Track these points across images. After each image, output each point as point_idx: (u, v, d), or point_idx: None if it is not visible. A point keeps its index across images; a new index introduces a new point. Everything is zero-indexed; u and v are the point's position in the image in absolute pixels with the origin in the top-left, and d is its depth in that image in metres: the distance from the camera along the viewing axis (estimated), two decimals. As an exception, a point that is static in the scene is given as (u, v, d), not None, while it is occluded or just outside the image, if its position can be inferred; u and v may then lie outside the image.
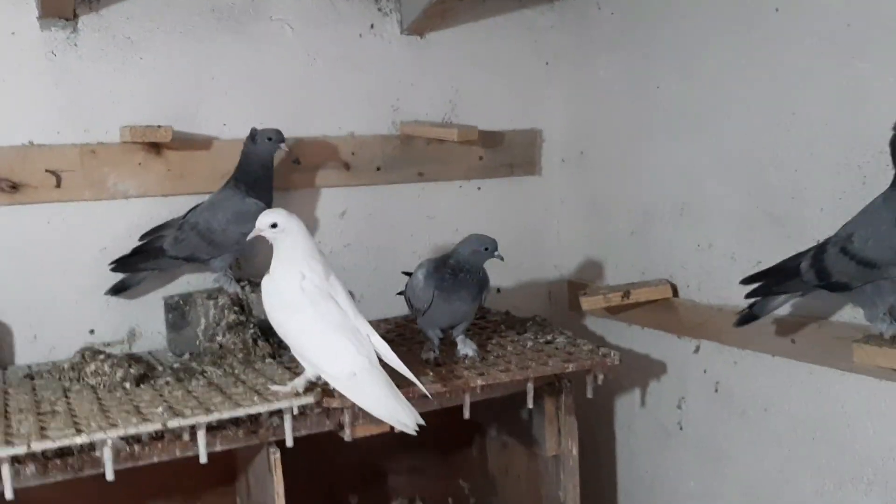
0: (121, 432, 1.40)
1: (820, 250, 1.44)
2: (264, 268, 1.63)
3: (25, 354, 1.89)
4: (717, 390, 1.94)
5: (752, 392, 1.84)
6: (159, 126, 1.87)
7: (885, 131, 1.39)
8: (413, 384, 1.57)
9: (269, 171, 1.91)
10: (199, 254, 1.90)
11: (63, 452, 1.42)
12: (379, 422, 1.55)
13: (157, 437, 1.50)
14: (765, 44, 1.75)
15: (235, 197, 1.88)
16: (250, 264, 2.08)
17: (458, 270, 1.72)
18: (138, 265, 1.91)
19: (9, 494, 1.36)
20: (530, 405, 1.83)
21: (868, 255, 1.33)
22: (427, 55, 2.27)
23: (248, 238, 1.62)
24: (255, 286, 1.96)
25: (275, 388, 1.57)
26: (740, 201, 1.84)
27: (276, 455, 1.66)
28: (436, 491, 2.39)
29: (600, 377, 1.87)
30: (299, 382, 1.55)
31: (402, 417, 1.47)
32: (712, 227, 1.92)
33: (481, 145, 2.34)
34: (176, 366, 1.76)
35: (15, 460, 1.37)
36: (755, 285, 1.58)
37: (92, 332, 1.95)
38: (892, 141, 1.34)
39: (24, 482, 1.40)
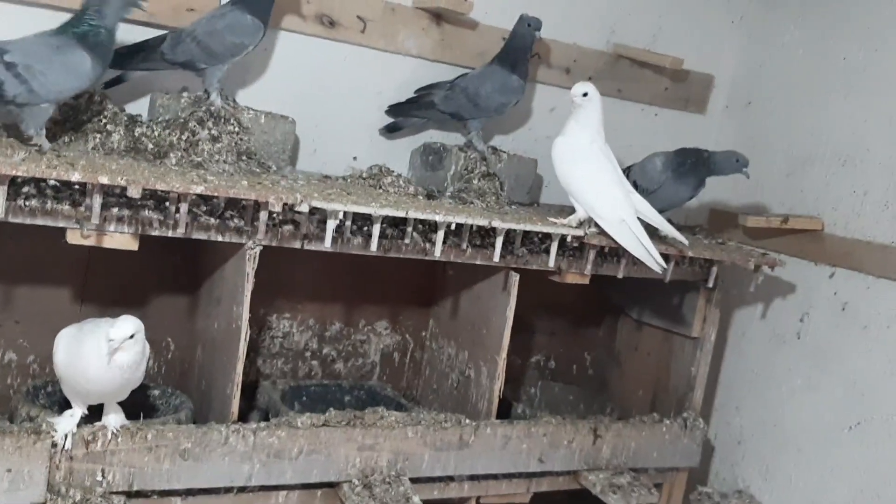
0: (460, 219, 1.83)
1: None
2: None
3: (305, 163, 2.29)
4: (844, 309, 2.41)
5: (878, 312, 2.31)
6: (455, -1, 2.25)
7: None
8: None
9: (528, 53, 2.30)
10: (463, 112, 2.30)
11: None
12: (584, 272, 2.04)
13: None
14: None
15: (503, 72, 2.28)
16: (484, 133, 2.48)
17: (697, 163, 2.15)
18: (410, 112, 2.32)
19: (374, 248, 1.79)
20: (710, 285, 2.29)
21: None
22: (644, -9, 2.68)
23: (572, 99, 2.01)
24: (495, 151, 2.38)
25: (552, 219, 2.00)
26: (901, 157, 2.29)
27: (515, 278, 2.10)
28: (565, 356, 2.84)
29: (762, 277, 2.34)
30: (574, 219, 1.99)
31: (657, 258, 1.92)
32: (871, 178, 2.37)
33: (669, 78, 2.76)
34: (448, 194, 2.17)
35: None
36: None
37: (355, 158, 2.35)
38: None
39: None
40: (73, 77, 1.61)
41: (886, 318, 2.30)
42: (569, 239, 2.01)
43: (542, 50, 2.52)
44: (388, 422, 1.96)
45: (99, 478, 1.65)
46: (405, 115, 2.32)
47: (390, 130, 2.34)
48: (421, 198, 2.05)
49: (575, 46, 2.59)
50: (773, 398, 2.61)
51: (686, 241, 2.10)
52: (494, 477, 2.16)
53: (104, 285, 2.04)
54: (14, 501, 1.57)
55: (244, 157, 1.90)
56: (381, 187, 2.07)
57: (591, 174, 1.96)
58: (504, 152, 2.40)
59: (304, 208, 1.68)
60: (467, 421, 2.07)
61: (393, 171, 2.12)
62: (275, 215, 1.78)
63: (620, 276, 2.13)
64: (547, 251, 2.06)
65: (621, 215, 1.94)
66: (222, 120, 1.89)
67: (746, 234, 2.67)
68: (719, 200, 2.86)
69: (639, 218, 1.98)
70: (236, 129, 1.92)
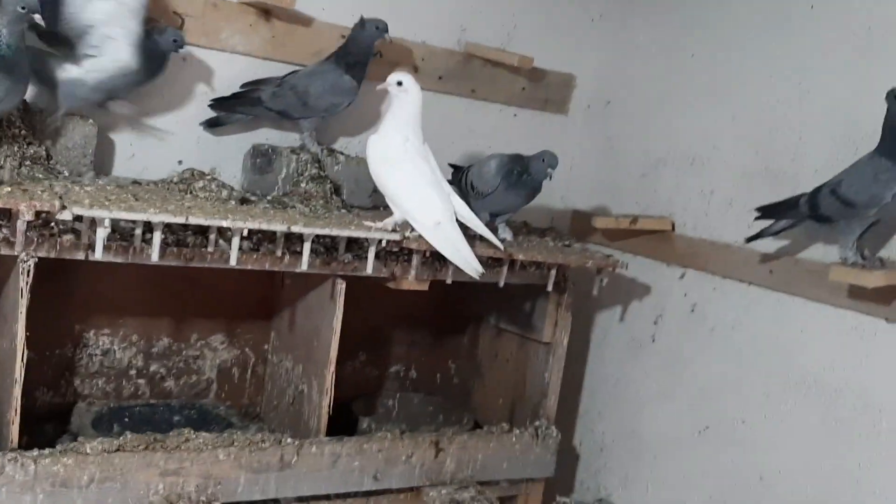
0: (252, 225, 1.71)
1: (816, 191, 1.87)
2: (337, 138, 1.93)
3: (122, 169, 2.15)
4: (693, 310, 2.36)
5: (724, 313, 2.27)
6: (280, -6, 2.14)
7: (880, 119, 1.81)
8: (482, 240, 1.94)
9: (368, 55, 2.20)
10: (292, 112, 2.19)
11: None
12: (423, 280, 1.95)
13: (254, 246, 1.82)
14: (794, 33, 2.16)
15: (336, 72, 2.17)
16: (326, 134, 2.37)
17: (524, 172, 2.08)
18: (234, 107, 2.19)
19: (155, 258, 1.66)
20: (549, 288, 2.21)
21: (849, 197, 1.77)
22: (496, -11, 2.60)
23: (378, 88, 1.94)
24: (331, 152, 2.27)
25: (368, 223, 1.90)
26: (746, 158, 2.25)
27: (342, 286, 1.99)
28: (427, 366, 2.75)
29: (605, 280, 2.27)
30: (389, 222, 1.89)
31: (473, 263, 1.83)
32: (717, 177, 2.33)
33: (526, 77, 2.68)
34: (269, 198, 2.06)
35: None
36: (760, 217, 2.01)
37: (180, 162, 2.22)
38: (888, 111, 1.76)
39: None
40: None
41: (731, 319, 2.25)
42: (384, 243, 1.91)
43: (388, 49, 2.42)
44: (194, 444, 1.84)
45: None
46: (230, 110, 2.19)
47: (211, 125, 2.21)
48: (233, 203, 1.93)
49: (423, 45, 2.50)
50: (632, 404, 2.55)
51: (501, 245, 2.01)
52: (325, 498, 2.05)
53: None
54: None
55: (27, 163, 1.76)
56: (191, 192, 1.94)
57: (404, 175, 1.86)
58: (342, 154, 2.30)
59: (67, 216, 1.54)
60: (289, 440, 1.96)
61: (207, 175, 2.00)
62: (54, 224, 1.64)
63: (449, 281, 2.04)
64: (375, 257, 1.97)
65: (437, 218, 1.84)
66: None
67: (604, 235, 2.62)
68: (579, 202, 2.80)
69: (459, 222, 1.89)
70: (21, 131, 1.77)
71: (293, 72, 2.22)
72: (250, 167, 2.23)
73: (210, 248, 1.80)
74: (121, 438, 1.76)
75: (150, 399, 2.24)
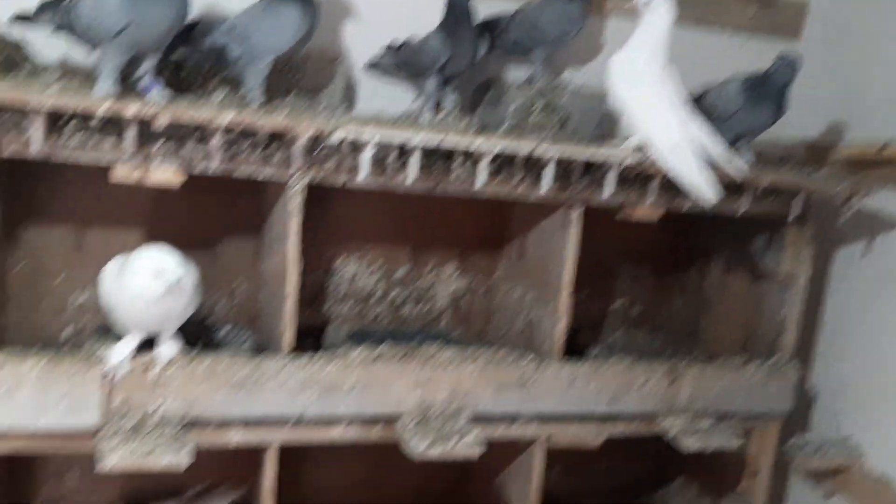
0: (502, 146, 1.77)
1: None
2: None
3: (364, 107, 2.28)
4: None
5: None
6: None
7: None
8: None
9: (594, -20, 2.19)
10: (524, 43, 2.22)
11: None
12: (657, 209, 1.92)
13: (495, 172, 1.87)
14: None
15: (563, 0, 2.17)
16: (552, 66, 2.38)
17: (766, 83, 1.99)
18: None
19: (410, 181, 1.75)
20: (792, 217, 2.12)
21: None
22: None
23: (625, 7, 1.95)
24: (558, 84, 2.28)
25: (606, 150, 1.90)
26: None
27: (576, 213, 2.01)
28: (652, 302, 2.72)
29: (854, 209, 2.14)
30: (629, 143, 1.88)
31: (708, 189, 1.79)
32: None
33: (757, 4, 2.56)
34: (502, 130, 2.10)
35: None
36: None
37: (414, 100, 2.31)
38: None
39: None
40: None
41: None
42: (625, 164, 1.90)
43: (611, -24, 2.40)
44: (445, 357, 1.93)
45: (154, 406, 1.70)
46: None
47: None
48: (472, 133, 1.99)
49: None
50: (878, 343, 2.39)
51: (742, 169, 1.94)
52: (562, 418, 2.09)
53: (173, 228, 2.10)
54: (73, 425, 1.65)
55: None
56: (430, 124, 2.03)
57: (643, 96, 1.84)
58: (569, 86, 2.30)
59: (337, 138, 1.66)
60: (529, 358, 2.01)
61: (444, 107, 2.08)
62: (318, 151, 1.77)
63: (684, 209, 2.00)
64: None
65: (674, 141, 1.81)
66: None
67: (844, 167, 2.45)
68: (814, 134, 2.64)
69: (695, 147, 1.85)
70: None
71: (522, 6, 2.24)
72: (480, 102, 2.29)
73: (453, 175, 1.87)
74: (380, 348, 1.88)
75: (389, 324, 2.37)
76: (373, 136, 1.67)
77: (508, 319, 2.34)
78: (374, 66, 2.19)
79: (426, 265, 2.40)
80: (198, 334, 1.97)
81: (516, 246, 2.33)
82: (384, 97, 2.27)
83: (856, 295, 2.47)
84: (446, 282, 2.42)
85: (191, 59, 1.89)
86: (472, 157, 1.87)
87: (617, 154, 1.87)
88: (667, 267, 2.67)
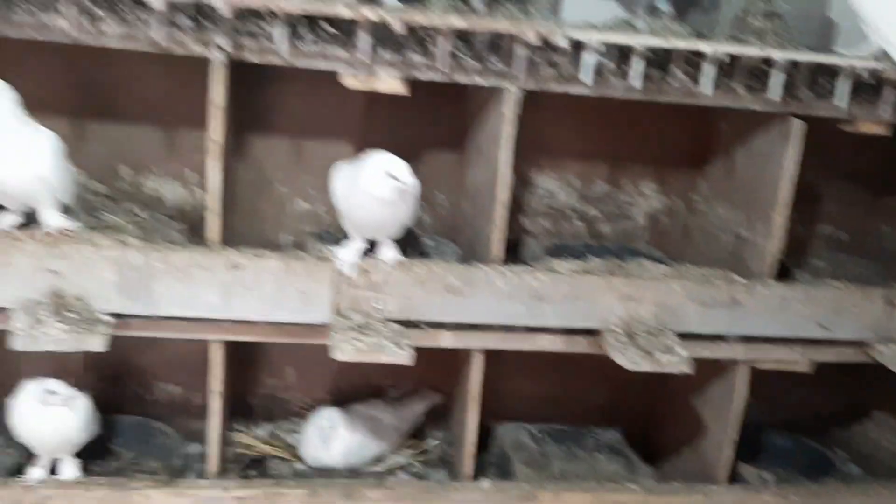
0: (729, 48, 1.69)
1: None
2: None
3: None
4: None
5: None
6: None
7: None
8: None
9: None
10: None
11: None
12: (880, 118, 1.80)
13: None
14: None
15: None
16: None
17: None
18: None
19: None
20: None
21: None
22: None
23: None
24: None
25: (841, 56, 1.77)
26: None
27: (797, 125, 1.90)
28: (860, 229, 2.55)
29: None
30: (867, 48, 1.75)
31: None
32: None
33: None
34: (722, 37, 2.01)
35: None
36: None
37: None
38: None
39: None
40: None
41: None
42: (862, 73, 1.77)
43: None
44: (651, 274, 1.91)
45: (377, 305, 1.79)
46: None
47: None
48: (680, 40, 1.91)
49: None
50: None
51: None
52: (770, 341, 2.03)
53: (381, 139, 2.16)
54: (307, 319, 1.76)
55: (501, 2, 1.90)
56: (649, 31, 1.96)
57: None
58: (787, -12, 2.16)
59: (562, 41, 1.64)
60: (738, 278, 1.96)
61: (663, 13, 2.00)
62: (534, 58, 1.76)
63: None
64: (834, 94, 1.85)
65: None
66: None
67: None
68: None
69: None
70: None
71: None
72: (689, 7, 2.19)
73: (673, 82, 1.82)
74: (588, 262, 1.89)
75: (586, 240, 2.36)
76: (598, 40, 1.63)
77: (711, 240, 2.27)
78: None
79: (624, 182, 2.36)
80: (403, 245, 2.04)
81: (722, 162, 2.24)
82: (588, 5, 2.21)
83: None
84: (644, 200, 2.37)
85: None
86: (691, 64, 1.79)
87: (853, 60, 1.75)
88: (879, 190, 2.50)
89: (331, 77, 1.75)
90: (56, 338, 1.56)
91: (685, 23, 2.11)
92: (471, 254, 2.04)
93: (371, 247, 1.81)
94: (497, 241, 1.88)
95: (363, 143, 2.15)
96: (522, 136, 2.23)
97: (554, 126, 2.23)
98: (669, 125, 2.23)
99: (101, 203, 2.02)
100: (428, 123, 2.17)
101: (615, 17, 2.15)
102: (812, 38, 2.14)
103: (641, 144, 2.32)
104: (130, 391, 2.24)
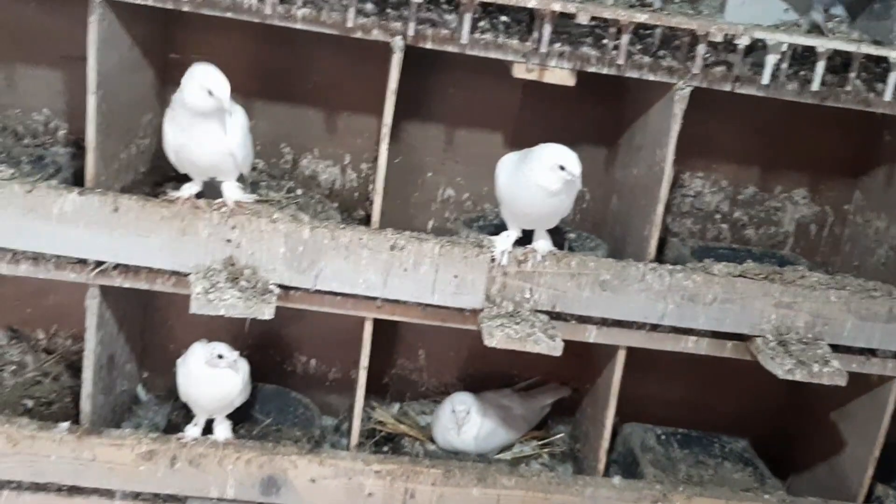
0: None
1: None
2: None
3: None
4: None
5: None
6: None
7: None
8: None
9: None
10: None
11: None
12: None
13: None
14: None
15: None
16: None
17: None
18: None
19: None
20: None
21: None
22: None
23: None
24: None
25: None
26: None
27: None
28: None
29: None
30: None
31: None
32: None
33: None
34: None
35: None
36: None
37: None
38: None
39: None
40: None
41: None
42: None
43: None
44: (809, 281, 1.87)
45: (527, 295, 1.81)
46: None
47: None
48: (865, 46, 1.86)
49: None
50: None
51: None
52: (924, 360, 1.95)
53: (533, 133, 2.18)
54: (458, 303, 1.80)
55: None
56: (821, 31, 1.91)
57: None
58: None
59: (745, 41, 1.61)
60: (900, 293, 1.89)
61: (836, 16, 1.95)
62: (706, 57, 1.74)
63: None
64: None
65: None
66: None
67: None
68: None
69: None
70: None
71: None
72: (865, 13, 2.11)
73: (848, 88, 1.77)
74: (744, 265, 1.86)
75: (731, 243, 2.32)
76: (784, 40, 1.60)
77: (865, 251, 2.20)
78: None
79: (774, 188, 2.31)
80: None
81: (882, 174, 2.16)
82: (753, 4, 2.17)
83: None
84: (794, 207, 2.31)
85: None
86: (867, 70, 1.74)
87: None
88: None
89: (493, 67, 1.77)
90: (230, 304, 1.63)
91: (856, 28, 2.04)
92: (619, 250, 2.04)
93: (524, 237, 1.83)
94: (653, 240, 1.87)
95: (514, 134, 2.17)
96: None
97: (705, 127, 2.19)
98: (827, 132, 2.17)
99: (261, 179, 2.11)
100: (579, 118, 2.17)
101: (779, 19, 2.11)
102: None
103: (794, 151, 2.26)
104: (272, 360, 2.32)
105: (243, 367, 1.89)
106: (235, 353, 1.83)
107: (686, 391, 2.39)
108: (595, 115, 2.17)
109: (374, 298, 1.80)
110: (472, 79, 2.07)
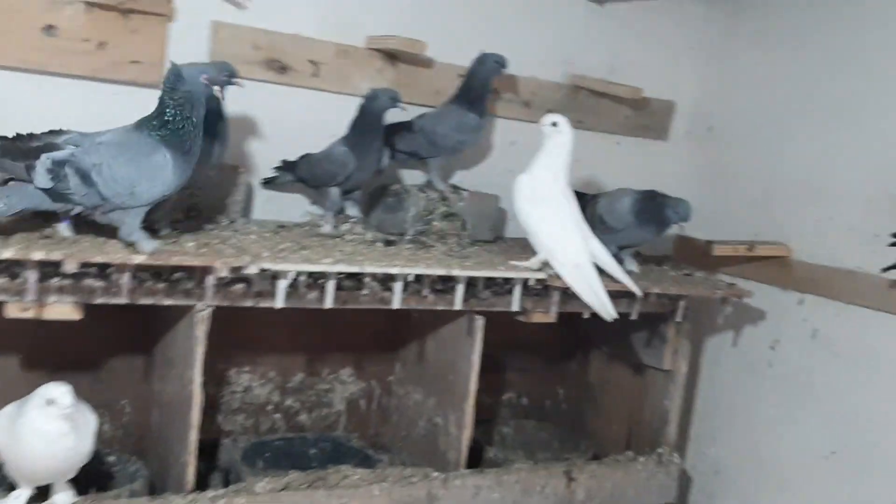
0: (420, 270, 1.77)
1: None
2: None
3: (260, 212, 2.23)
4: (814, 336, 2.38)
5: (850, 338, 2.29)
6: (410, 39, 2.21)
7: None
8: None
9: (487, 91, 2.26)
10: (421, 152, 2.26)
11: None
12: (549, 313, 1.99)
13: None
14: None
15: (460, 110, 2.24)
16: (445, 170, 2.44)
17: (657, 212, 2.10)
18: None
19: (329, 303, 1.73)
20: (679, 319, 2.25)
21: None
22: (600, 20, 2.65)
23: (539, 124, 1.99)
24: (455, 189, 2.33)
25: (514, 262, 1.95)
26: (866, 183, 2.27)
27: (481, 321, 2.05)
28: (537, 393, 2.79)
29: (729, 309, 2.30)
30: (535, 262, 1.94)
31: (608, 306, 1.88)
32: (835, 203, 2.35)
33: (629, 106, 2.73)
34: (408, 238, 2.12)
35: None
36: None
37: (312, 204, 2.29)
38: None
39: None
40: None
41: (859, 344, 2.27)
42: (531, 282, 1.96)
43: (501, 84, 2.48)
44: (352, 480, 1.90)
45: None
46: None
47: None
48: (379, 245, 2.00)
49: (533, 79, 2.56)
50: (749, 428, 2.57)
51: (639, 292, 2.04)
52: (468, 530, 2.09)
53: (53, 351, 1.96)
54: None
55: (192, 214, 1.84)
56: (340, 237, 2.01)
57: (549, 216, 1.92)
58: (465, 190, 2.35)
59: (254, 270, 1.62)
60: (435, 474, 2.01)
61: (351, 217, 2.07)
62: (221, 278, 1.71)
63: (586, 315, 2.08)
64: (511, 293, 2.02)
65: (576, 260, 1.90)
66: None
67: (714, 261, 2.64)
68: (691, 230, 2.82)
69: (595, 263, 1.95)
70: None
71: (420, 115, 2.28)
72: (379, 206, 2.29)
73: (365, 291, 1.87)
74: (287, 477, 1.83)
75: (286, 432, 2.31)
76: (289, 268, 1.64)
77: (407, 423, 2.33)
78: (269, 182, 2.18)
79: (321, 371, 2.36)
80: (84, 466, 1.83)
81: (414, 350, 2.33)
82: (279, 204, 2.24)
83: (725, 384, 2.66)
84: (342, 387, 2.38)
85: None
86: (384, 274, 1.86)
87: (524, 273, 1.93)
88: (550, 358, 2.76)
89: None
90: None
91: (371, 223, 2.20)
92: (164, 471, 1.88)
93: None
94: (191, 466, 1.75)
95: (30, 359, 1.93)
96: (215, 335, 2.16)
97: (248, 323, 2.17)
98: (363, 315, 2.26)
99: None
100: (107, 332, 1.99)
101: (306, 212, 2.20)
102: (487, 230, 2.33)
103: (338, 334, 2.34)
104: None
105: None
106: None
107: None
108: (126, 326, 2.01)
109: None
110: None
